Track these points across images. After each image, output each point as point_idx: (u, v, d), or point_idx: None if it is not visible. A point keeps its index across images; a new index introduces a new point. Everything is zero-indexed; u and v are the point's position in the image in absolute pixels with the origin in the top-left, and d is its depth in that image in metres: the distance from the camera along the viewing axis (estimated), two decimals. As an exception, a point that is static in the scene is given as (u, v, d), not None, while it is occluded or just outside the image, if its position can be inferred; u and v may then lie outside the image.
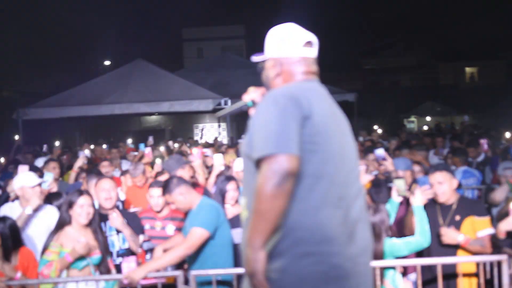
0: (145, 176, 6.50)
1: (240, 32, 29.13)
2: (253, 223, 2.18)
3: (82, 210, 4.29)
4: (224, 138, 18.25)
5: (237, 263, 4.37)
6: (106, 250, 4.42)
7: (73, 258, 4.13)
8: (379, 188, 5.27)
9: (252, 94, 2.77)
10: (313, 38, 2.59)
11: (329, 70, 24.26)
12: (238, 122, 20.42)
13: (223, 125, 19.65)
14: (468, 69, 41.51)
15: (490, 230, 4.24)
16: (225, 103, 14.50)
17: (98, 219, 4.47)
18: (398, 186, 4.67)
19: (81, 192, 4.38)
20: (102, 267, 4.34)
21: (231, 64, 19.82)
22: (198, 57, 29.16)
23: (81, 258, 4.20)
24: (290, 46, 2.54)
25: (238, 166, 6.12)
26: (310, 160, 2.25)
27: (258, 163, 2.22)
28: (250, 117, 2.48)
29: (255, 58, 2.68)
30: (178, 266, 4.57)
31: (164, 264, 4.11)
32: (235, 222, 4.83)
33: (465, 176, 7.16)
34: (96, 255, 4.31)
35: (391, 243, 4.12)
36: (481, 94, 30.52)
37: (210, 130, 23.06)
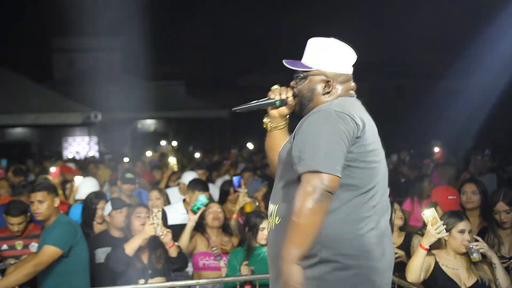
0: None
1: (115, 45, 28.41)
2: (289, 236, 2.22)
3: None
4: (95, 152, 17.69)
5: (94, 283, 4.25)
6: None
7: None
8: None
9: (283, 95, 2.62)
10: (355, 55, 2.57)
11: (204, 86, 24.52)
12: (109, 136, 19.85)
13: (94, 138, 19.02)
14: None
15: None
16: (95, 116, 14.08)
17: None
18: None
19: None
20: None
21: (104, 76, 19.30)
22: (69, 68, 27.94)
23: None
24: (344, 63, 2.51)
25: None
26: (357, 175, 2.32)
27: (300, 175, 2.26)
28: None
29: (291, 66, 2.54)
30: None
31: (10, 283, 3.85)
32: (100, 240, 4.68)
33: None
34: None
35: None
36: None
37: (81, 144, 22.16)
